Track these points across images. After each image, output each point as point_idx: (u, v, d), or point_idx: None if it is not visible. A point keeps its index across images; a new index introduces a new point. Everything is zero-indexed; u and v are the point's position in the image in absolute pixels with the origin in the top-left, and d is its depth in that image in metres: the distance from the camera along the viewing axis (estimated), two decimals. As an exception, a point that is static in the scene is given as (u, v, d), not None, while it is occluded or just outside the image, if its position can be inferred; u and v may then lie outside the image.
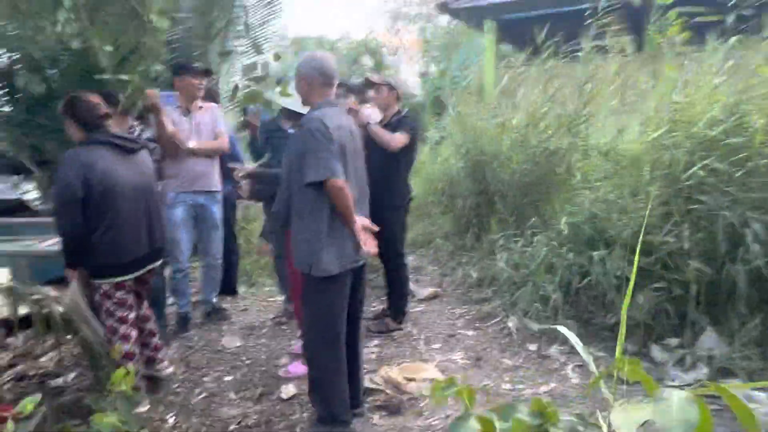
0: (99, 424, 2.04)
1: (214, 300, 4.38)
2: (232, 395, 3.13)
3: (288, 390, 3.14)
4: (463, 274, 4.93)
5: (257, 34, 9.00)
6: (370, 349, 3.71)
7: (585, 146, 4.66)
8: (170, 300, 4.27)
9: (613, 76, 4.91)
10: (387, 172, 3.85)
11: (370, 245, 2.63)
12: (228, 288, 4.99)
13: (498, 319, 4.05)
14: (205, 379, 3.35)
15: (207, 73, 4.15)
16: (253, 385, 3.25)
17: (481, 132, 5.56)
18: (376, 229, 2.71)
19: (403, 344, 3.80)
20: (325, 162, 2.44)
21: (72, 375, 3.30)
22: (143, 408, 2.98)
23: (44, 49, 5.34)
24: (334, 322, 2.62)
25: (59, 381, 3.33)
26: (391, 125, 3.91)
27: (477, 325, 4.07)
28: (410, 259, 5.92)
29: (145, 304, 3.21)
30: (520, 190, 5.05)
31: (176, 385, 3.28)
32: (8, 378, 3.33)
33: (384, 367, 3.31)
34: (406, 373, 3.20)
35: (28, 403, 2.55)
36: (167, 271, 4.11)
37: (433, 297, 4.71)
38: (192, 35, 7.45)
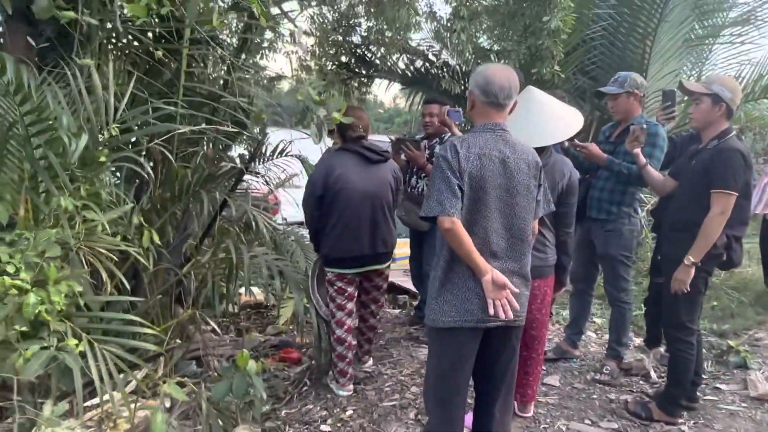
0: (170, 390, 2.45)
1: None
2: (412, 415, 3.09)
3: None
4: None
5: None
6: (603, 430, 2.96)
7: None
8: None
9: None
10: (688, 219, 2.87)
11: (501, 309, 2.13)
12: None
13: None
14: (413, 389, 3.39)
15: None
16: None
17: None
18: (516, 291, 2.17)
19: (648, 443, 2.87)
20: (438, 195, 2.12)
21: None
22: (346, 393, 3.30)
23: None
24: (446, 380, 2.28)
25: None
26: (706, 153, 2.86)
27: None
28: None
29: (376, 301, 3.49)
30: None
31: (389, 384, 3.45)
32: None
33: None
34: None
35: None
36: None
37: (772, 400, 3.27)
38: (615, 36, 6.99)
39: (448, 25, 6.61)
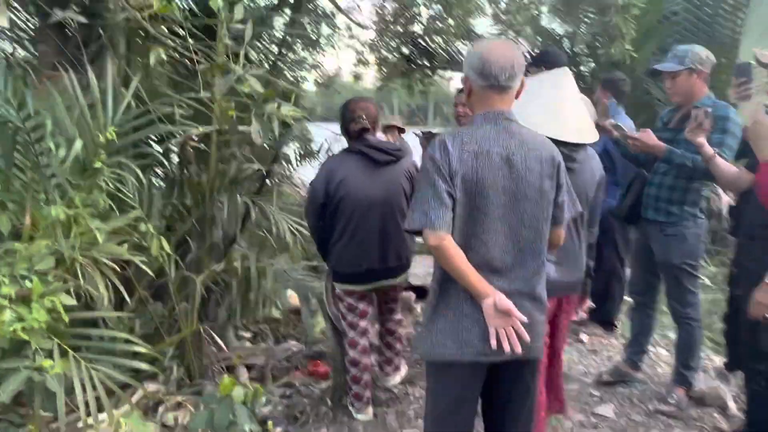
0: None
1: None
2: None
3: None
4: None
5: None
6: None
7: None
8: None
9: None
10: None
11: (507, 341, 1.74)
12: (602, 318, 4.19)
13: None
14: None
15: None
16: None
17: None
18: (525, 320, 1.75)
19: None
20: (422, 205, 1.76)
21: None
22: (364, 417, 2.99)
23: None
24: (444, 423, 1.92)
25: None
26: None
27: None
28: None
29: (394, 317, 3.15)
30: None
31: (414, 407, 3.09)
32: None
33: None
34: None
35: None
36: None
37: None
38: (700, 10, 6.19)
39: (503, 6, 6.10)
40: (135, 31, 3.72)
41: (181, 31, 3.48)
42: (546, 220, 1.84)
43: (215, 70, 2.84)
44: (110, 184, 2.85)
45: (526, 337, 1.75)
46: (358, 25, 8.02)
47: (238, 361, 3.87)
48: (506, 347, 1.73)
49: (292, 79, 7.52)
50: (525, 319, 1.75)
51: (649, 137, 2.77)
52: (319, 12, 7.56)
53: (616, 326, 4.11)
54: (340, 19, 8.00)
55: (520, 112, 2.18)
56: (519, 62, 1.78)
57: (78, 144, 2.69)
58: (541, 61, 3.38)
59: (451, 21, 7.79)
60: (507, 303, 1.74)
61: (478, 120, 1.83)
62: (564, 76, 2.28)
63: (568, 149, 2.21)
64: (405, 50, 8.98)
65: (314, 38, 7.74)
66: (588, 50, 5.93)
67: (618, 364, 3.37)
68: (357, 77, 8.57)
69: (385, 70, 8.69)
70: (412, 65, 9.03)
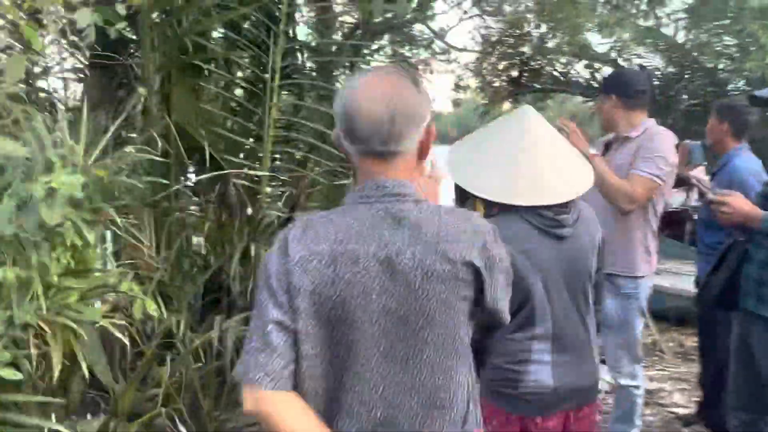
0: None
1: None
2: None
3: None
4: None
5: None
6: None
7: None
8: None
9: None
10: None
11: None
12: (713, 422, 3.17)
13: None
14: None
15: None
16: None
17: None
18: None
19: None
20: (246, 343, 1.10)
21: None
22: None
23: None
24: None
25: None
26: None
27: None
28: None
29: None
30: None
31: None
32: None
33: None
34: None
35: None
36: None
37: None
38: None
39: (598, 18, 5.17)
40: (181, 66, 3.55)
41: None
42: (465, 347, 1.12)
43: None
44: (76, 240, 2.57)
45: None
46: (456, 49, 7.49)
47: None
48: None
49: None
50: None
51: (739, 202, 1.88)
52: (415, 35, 7.12)
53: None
54: (438, 43, 7.54)
55: (464, 169, 1.54)
56: (406, 115, 1.05)
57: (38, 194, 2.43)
58: (612, 89, 2.55)
59: (560, 38, 6.99)
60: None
61: (348, 199, 1.14)
62: (531, 116, 1.59)
63: (553, 212, 1.52)
64: (514, 72, 8.29)
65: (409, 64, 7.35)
66: (721, 64, 4.83)
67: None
68: (457, 103, 7.98)
69: (486, 95, 8.04)
70: (520, 88, 8.31)
